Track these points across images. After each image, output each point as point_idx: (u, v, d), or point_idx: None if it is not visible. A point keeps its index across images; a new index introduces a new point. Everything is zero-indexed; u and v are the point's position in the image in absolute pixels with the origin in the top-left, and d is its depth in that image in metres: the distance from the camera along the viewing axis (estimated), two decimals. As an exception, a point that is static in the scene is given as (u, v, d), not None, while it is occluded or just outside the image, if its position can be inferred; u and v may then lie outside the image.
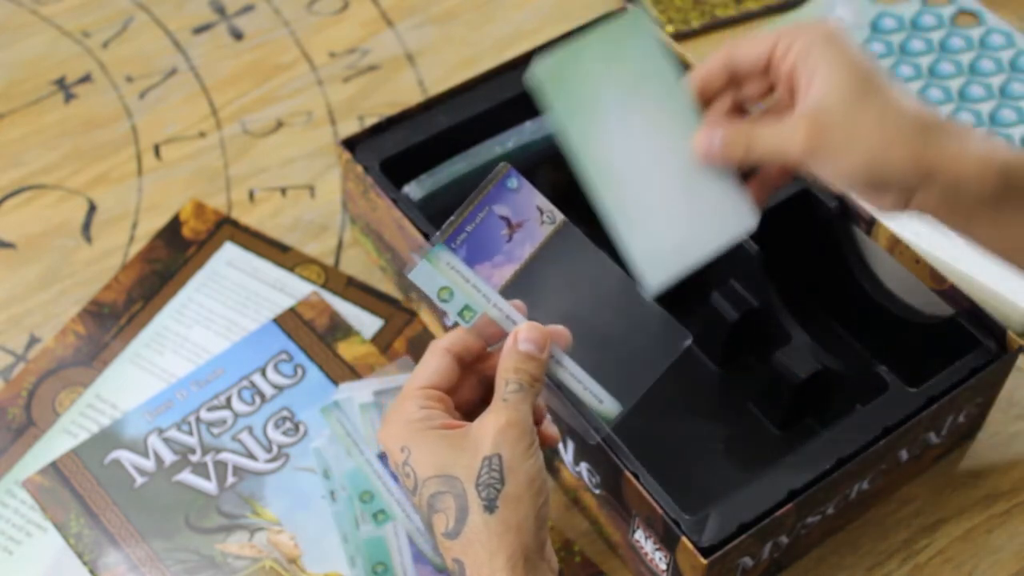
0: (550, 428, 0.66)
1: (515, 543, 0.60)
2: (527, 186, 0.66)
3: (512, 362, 0.64)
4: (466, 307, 0.66)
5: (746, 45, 0.68)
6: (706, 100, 0.70)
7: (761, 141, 0.67)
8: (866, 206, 0.84)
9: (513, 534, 0.60)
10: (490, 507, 0.60)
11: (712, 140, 0.68)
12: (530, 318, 0.66)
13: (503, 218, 0.66)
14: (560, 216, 0.67)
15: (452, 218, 0.66)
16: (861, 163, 0.64)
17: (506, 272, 0.66)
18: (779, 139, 0.66)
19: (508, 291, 0.66)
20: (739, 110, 0.71)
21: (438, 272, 0.65)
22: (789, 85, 0.67)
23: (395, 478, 0.77)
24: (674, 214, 0.70)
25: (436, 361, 0.64)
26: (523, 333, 0.64)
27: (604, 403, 0.66)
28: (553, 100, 0.70)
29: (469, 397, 0.66)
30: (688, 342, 0.67)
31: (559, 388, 0.66)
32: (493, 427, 0.61)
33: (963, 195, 0.64)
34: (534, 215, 0.66)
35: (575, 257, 0.67)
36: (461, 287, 0.65)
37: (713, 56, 0.69)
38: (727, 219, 0.70)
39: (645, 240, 0.70)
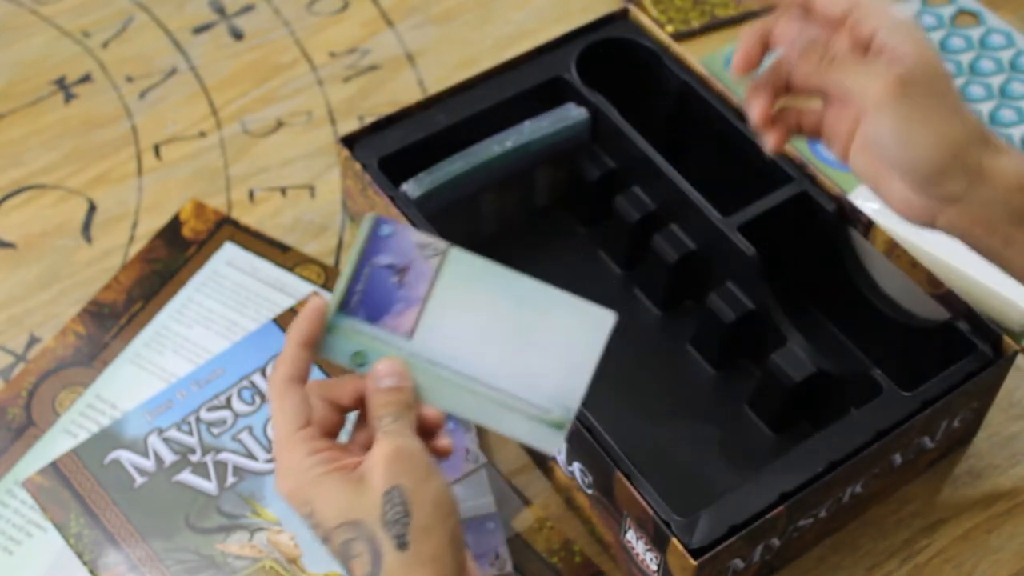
0: (444, 439, 0.64)
1: (434, 574, 0.58)
2: (401, 228, 0.65)
3: (379, 400, 0.62)
4: None
5: None
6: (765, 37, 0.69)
7: (842, 67, 0.65)
8: (865, 210, 0.84)
9: (430, 566, 0.58)
10: (402, 544, 0.58)
11: (791, 51, 0.67)
12: (447, 349, 0.64)
13: (388, 266, 0.64)
14: (443, 244, 0.65)
15: (337, 285, 0.64)
16: (929, 142, 0.64)
17: (410, 316, 0.64)
18: (861, 76, 0.65)
19: (420, 332, 0.64)
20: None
21: (346, 340, 0.64)
22: (861, 45, 0.66)
23: None
24: (540, 364, 0.64)
25: (290, 398, 0.62)
26: (381, 370, 0.63)
27: (553, 412, 0.64)
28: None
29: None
30: (614, 319, 0.63)
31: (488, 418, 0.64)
32: (382, 459, 0.59)
33: (1003, 210, 0.65)
34: (417, 253, 0.64)
35: (475, 278, 0.64)
36: (371, 346, 0.64)
37: None
38: (589, 331, 0.64)
39: (523, 412, 0.64)
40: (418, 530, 0.58)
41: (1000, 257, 0.67)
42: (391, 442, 0.60)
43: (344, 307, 0.64)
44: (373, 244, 0.64)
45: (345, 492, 0.59)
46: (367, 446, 0.62)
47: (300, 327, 0.63)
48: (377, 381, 0.63)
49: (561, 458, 0.76)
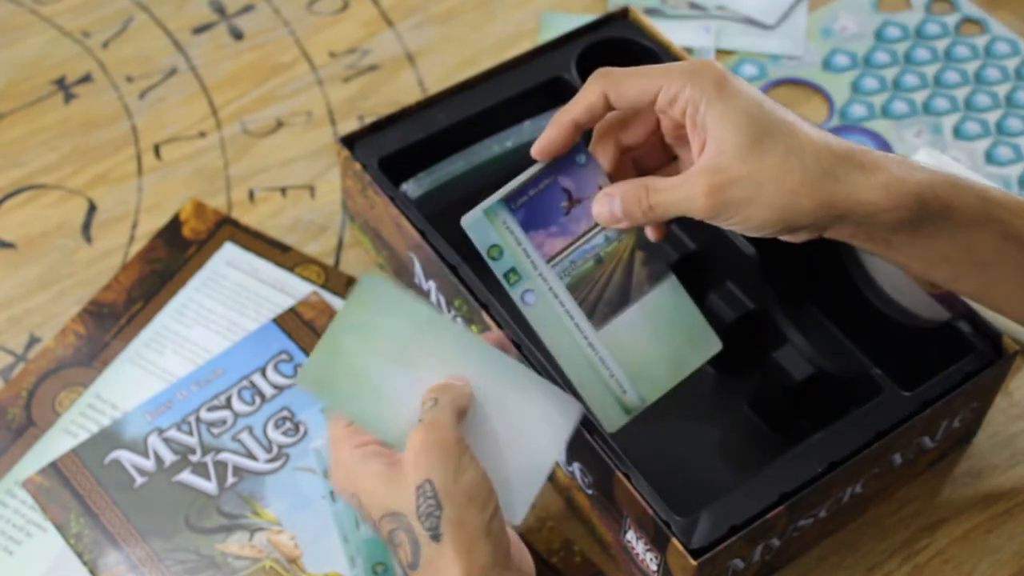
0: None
1: (469, 564, 0.60)
2: (594, 163, 0.66)
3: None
4: (512, 270, 0.66)
5: (627, 84, 0.64)
6: (585, 128, 0.66)
7: (662, 200, 0.64)
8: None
9: (464, 556, 0.60)
10: (435, 536, 0.60)
11: (612, 206, 0.65)
12: (571, 290, 0.66)
13: (565, 190, 0.66)
14: None
15: (513, 180, 0.65)
16: (769, 216, 0.62)
17: (558, 244, 0.66)
18: (680, 198, 0.63)
19: (558, 264, 0.66)
20: (624, 157, 0.68)
21: (493, 228, 0.65)
22: (676, 133, 0.65)
23: None
24: (645, 347, 0.68)
25: None
26: None
27: (628, 395, 0.67)
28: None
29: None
30: (718, 349, 0.68)
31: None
32: (413, 452, 0.61)
33: (878, 226, 0.63)
34: (595, 193, 0.66)
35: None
36: (512, 249, 0.65)
37: (591, 87, 0.65)
38: (700, 346, 0.69)
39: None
40: (450, 522, 0.60)
41: (884, 255, 0.66)
42: (422, 434, 0.62)
43: (510, 201, 0.65)
44: (564, 163, 0.66)
45: (383, 485, 0.62)
46: None
47: None
48: None
49: (561, 458, 0.76)
